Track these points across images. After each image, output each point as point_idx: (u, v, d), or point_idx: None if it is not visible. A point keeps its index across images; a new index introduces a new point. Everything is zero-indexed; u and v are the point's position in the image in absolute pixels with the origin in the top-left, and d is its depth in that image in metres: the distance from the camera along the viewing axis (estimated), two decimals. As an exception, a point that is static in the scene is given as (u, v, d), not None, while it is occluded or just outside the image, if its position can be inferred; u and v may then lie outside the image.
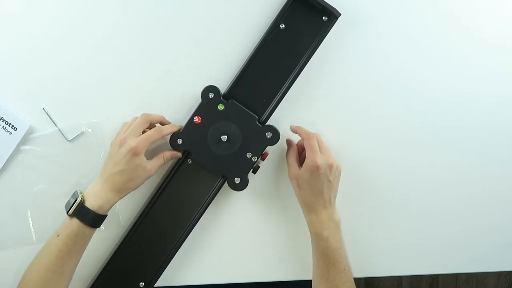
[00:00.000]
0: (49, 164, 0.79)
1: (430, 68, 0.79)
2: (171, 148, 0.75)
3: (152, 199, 0.78)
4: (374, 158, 0.80)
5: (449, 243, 0.81)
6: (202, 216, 0.77)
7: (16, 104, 0.78)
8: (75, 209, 0.69)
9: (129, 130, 0.72)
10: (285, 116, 0.78)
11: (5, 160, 0.77)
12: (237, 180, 0.74)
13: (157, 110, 0.77)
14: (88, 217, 0.69)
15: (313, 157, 0.70)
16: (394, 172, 0.80)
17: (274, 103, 0.76)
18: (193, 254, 0.80)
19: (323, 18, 0.75)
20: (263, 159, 0.76)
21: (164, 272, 0.78)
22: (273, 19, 0.76)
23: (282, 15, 0.75)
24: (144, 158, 0.71)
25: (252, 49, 0.76)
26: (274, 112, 0.76)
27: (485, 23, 0.79)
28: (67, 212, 0.70)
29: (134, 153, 0.69)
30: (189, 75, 0.78)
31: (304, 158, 0.72)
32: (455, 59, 0.79)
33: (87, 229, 0.70)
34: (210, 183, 0.77)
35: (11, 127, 0.77)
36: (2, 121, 0.77)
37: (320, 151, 0.72)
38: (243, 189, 0.75)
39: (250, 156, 0.74)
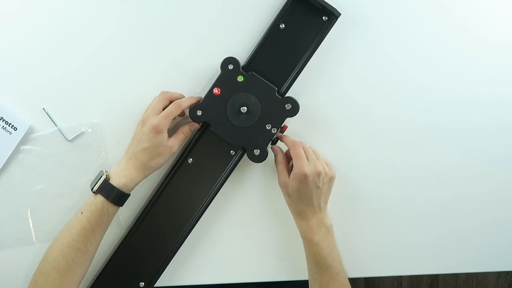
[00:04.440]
0: (49, 164, 0.79)
1: (430, 68, 0.79)
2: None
3: (152, 199, 0.78)
4: (373, 158, 0.80)
5: (449, 243, 0.81)
6: (202, 216, 0.77)
7: (16, 104, 0.78)
8: (99, 186, 0.70)
9: (149, 109, 0.73)
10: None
11: (5, 160, 0.77)
12: (257, 152, 0.74)
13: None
14: (112, 193, 0.70)
15: (300, 165, 0.70)
16: (394, 172, 0.80)
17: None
18: (193, 254, 0.80)
19: (323, 18, 0.75)
20: (282, 132, 0.76)
21: (164, 272, 0.78)
22: (273, 19, 0.76)
23: (282, 15, 0.75)
24: (166, 136, 0.71)
25: (248, 55, 0.76)
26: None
27: (486, 23, 0.79)
28: (92, 189, 0.71)
29: (156, 131, 0.70)
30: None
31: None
32: (455, 59, 0.79)
33: (110, 206, 0.71)
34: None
35: (11, 127, 0.77)
36: (2, 121, 0.77)
37: (307, 159, 0.71)
38: (262, 161, 0.74)
39: (270, 127, 0.74)
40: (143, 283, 0.77)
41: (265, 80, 0.74)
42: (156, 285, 0.78)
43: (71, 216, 0.78)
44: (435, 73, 0.79)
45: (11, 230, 0.79)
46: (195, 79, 0.78)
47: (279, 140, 0.76)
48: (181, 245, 0.77)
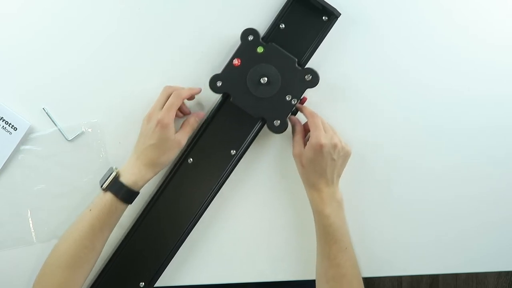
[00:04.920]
0: (49, 164, 0.79)
1: (430, 68, 0.79)
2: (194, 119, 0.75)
3: (152, 199, 0.78)
4: (372, 159, 0.80)
5: (449, 243, 0.81)
6: (202, 216, 0.77)
7: (16, 104, 0.78)
8: (109, 183, 0.70)
9: (153, 105, 0.72)
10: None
11: (5, 160, 0.77)
12: (277, 123, 0.73)
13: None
14: (122, 191, 0.70)
15: (318, 135, 0.70)
16: (393, 172, 0.80)
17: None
18: (193, 254, 0.80)
19: (323, 18, 0.75)
20: (302, 103, 0.75)
21: (164, 272, 0.78)
22: (273, 19, 0.76)
23: (282, 15, 0.75)
24: (173, 130, 0.71)
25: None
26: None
27: (486, 23, 0.79)
28: (101, 186, 0.71)
29: (162, 125, 0.70)
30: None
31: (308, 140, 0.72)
32: (455, 59, 0.79)
33: (119, 204, 0.70)
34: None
35: (11, 127, 0.77)
36: (2, 121, 0.77)
37: (325, 130, 0.72)
38: (282, 132, 0.74)
39: (290, 98, 0.73)
40: (143, 283, 0.77)
41: (285, 51, 0.74)
42: (156, 285, 0.78)
43: (71, 216, 0.78)
44: (435, 73, 0.79)
45: (11, 230, 0.79)
46: (195, 79, 0.78)
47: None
48: (181, 245, 0.77)
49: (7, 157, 0.77)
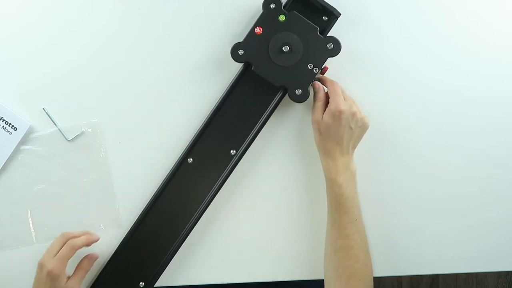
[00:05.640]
0: (49, 164, 0.79)
1: (430, 68, 0.79)
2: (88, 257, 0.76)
3: (152, 199, 0.78)
4: (372, 158, 0.80)
5: (449, 243, 0.81)
6: (202, 216, 0.77)
7: (16, 104, 0.78)
8: None
9: (46, 251, 0.72)
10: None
11: (5, 160, 0.77)
12: (298, 92, 0.73)
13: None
14: None
15: (337, 102, 0.71)
16: (393, 172, 0.80)
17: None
18: (193, 254, 0.80)
19: (323, 18, 0.75)
20: (323, 73, 0.75)
21: (164, 272, 0.78)
22: (273, 19, 0.76)
23: (282, 15, 0.75)
24: (65, 278, 0.71)
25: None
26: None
27: (486, 23, 0.79)
28: None
29: (52, 277, 0.70)
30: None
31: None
32: (455, 59, 0.79)
33: None
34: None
35: (11, 127, 0.77)
36: (2, 121, 0.77)
37: (345, 98, 0.72)
38: (304, 101, 0.74)
39: (312, 67, 0.73)
40: (143, 283, 0.77)
41: (307, 20, 0.73)
42: (156, 285, 0.78)
43: (71, 216, 0.79)
44: (435, 73, 0.79)
45: (11, 230, 0.79)
46: (195, 78, 0.78)
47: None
48: (181, 245, 0.77)
49: (7, 157, 0.77)
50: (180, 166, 0.77)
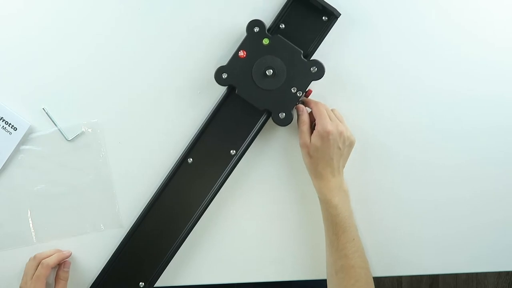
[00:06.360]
0: (49, 164, 0.79)
1: (431, 68, 0.79)
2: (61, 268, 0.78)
3: (152, 199, 0.78)
4: (372, 158, 0.80)
5: (449, 243, 0.81)
6: (202, 216, 0.77)
7: (16, 104, 0.78)
8: None
9: (23, 276, 0.75)
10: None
11: (5, 160, 0.77)
12: (282, 115, 0.73)
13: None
14: None
15: (324, 123, 0.71)
16: (393, 172, 0.80)
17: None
18: (193, 254, 0.80)
19: (323, 18, 0.75)
20: (307, 96, 0.75)
21: (164, 272, 0.77)
22: (273, 19, 0.76)
23: (282, 15, 0.75)
24: None
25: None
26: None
27: (486, 23, 0.79)
28: None
29: None
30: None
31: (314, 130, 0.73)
32: (455, 59, 0.79)
33: None
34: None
35: (11, 127, 0.77)
36: (2, 121, 0.77)
37: (331, 119, 0.72)
38: (287, 124, 0.74)
39: (295, 91, 0.73)
40: (143, 283, 0.77)
41: (290, 43, 0.73)
42: (156, 285, 0.78)
43: (71, 216, 0.79)
44: (435, 73, 0.79)
45: (11, 230, 0.79)
46: (195, 78, 0.78)
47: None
48: (181, 245, 0.77)
49: (7, 157, 0.77)
50: (180, 166, 0.77)
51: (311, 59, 0.74)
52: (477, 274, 1.52)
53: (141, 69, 0.79)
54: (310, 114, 0.75)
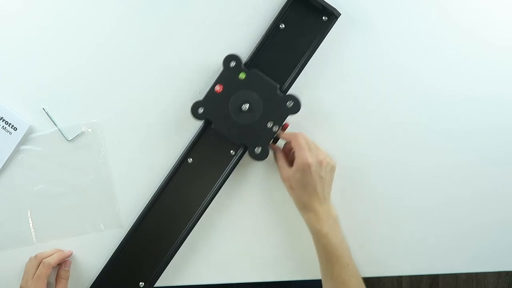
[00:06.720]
0: (49, 164, 0.79)
1: (431, 68, 0.79)
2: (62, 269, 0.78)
3: (152, 199, 0.78)
4: (373, 158, 0.80)
5: (449, 243, 0.81)
6: (202, 216, 0.77)
7: (16, 104, 0.78)
8: None
9: (23, 276, 0.75)
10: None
11: (5, 160, 0.77)
12: (258, 150, 0.74)
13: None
14: None
15: (303, 155, 0.70)
16: (394, 172, 0.80)
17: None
18: (193, 254, 0.80)
19: (323, 18, 0.75)
20: (283, 130, 0.75)
21: (164, 272, 0.78)
22: (273, 19, 0.76)
23: (282, 15, 0.75)
24: None
25: (248, 55, 0.76)
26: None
27: (486, 23, 0.79)
28: None
29: None
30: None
31: (293, 159, 0.72)
32: (455, 59, 0.79)
33: None
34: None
35: (11, 127, 0.77)
36: (2, 121, 0.77)
37: (309, 149, 0.71)
38: (263, 159, 0.74)
39: (271, 125, 0.73)
40: (143, 283, 0.77)
41: (267, 78, 0.74)
42: (156, 285, 0.78)
43: (71, 216, 0.79)
44: (436, 73, 0.79)
45: (11, 230, 0.79)
46: (195, 78, 0.78)
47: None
48: (181, 245, 0.77)
49: (7, 157, 0.77)
50: (180, 166, 0.77)
51: (287, 93, 0.74)
52: (477, 274, 1.52)
53: (141, 69, 0.79)
54: (286, 145, 0.76)
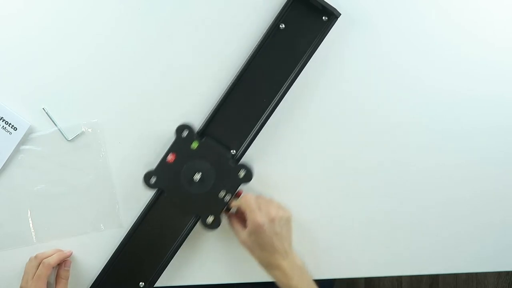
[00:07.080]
0: (49, 164, 0.79)
1: (431, 68, 0.79)
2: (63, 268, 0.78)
3: (152, 199, 0.77)
4: (373, 158, 0.80)
5: (449, 243, 0.81)
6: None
7: (16, 104, 0.78)
8: None
9: (23, 276, 0.75)
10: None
11: (5, 160, 0.77)
12: (210, 220, 0.74)
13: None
14: None
15: (254, 217, 0.70)
16: (394, 172, 0.80)
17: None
18: (193, 254, 0.80)
19: (323, 18, 0.75)
20: (237, 197, 0.75)
21: (164, 272, 0.78)
22: (273, 19, 0.76)
23: (282, 15, 0.75)
24: None
25: (247, 56, 0.76)
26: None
27: (486, 23, 0.79)
28: None
29: None
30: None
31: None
32: (455, 59, 0.79)
33: None
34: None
35: (11, 127, 0.77)
36: (2, 121, 0.77)
37: (259, 209, 0.71)
38: (215, 229, 0.74)
39: (223, 195, 0.74)
40: (143, 283, 0.77)
41: (219, 147, 0.74)
42: (156, 285, 0.78)
43: (71, 216, 0.79)
44: (436, 73, 0.79)
45: (11, 230, 0.79)
46: (195, 78, 0.78)
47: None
48: (181, 245, 0.77)
49: (7, 157, 0.77)
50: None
51: (240, 162, 0.75)
52: (477, 274, 1.52)
53: (141, 69, 0.79)
54: (236, 215, 0.76)
